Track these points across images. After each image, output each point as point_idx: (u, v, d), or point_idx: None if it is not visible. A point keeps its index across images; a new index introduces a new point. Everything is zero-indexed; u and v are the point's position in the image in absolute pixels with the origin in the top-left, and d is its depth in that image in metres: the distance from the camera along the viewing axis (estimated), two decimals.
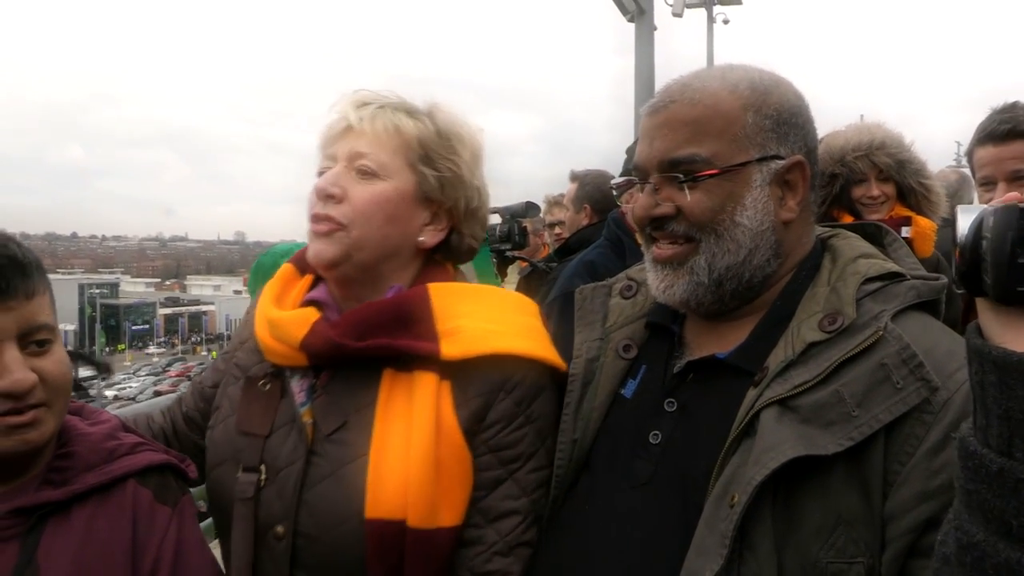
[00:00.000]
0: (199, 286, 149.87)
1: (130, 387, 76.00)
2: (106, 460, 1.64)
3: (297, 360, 1.77)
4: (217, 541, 1.87)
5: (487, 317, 1.77)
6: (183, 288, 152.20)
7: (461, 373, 1.69)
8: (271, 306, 1.84)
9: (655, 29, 12.15)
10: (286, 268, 1.93)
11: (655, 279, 1.68)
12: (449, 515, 1.65)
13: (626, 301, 1.85)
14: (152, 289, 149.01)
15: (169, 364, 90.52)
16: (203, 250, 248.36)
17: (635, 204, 1.68)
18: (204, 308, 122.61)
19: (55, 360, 1.56)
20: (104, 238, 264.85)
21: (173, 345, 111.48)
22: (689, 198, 1.59)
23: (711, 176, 1.57)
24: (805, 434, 1.39)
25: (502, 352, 1.70)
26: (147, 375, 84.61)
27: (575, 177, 4.85)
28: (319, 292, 1.86)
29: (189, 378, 68.52)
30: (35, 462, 1.60)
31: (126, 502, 1.61)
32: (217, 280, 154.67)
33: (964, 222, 1.11)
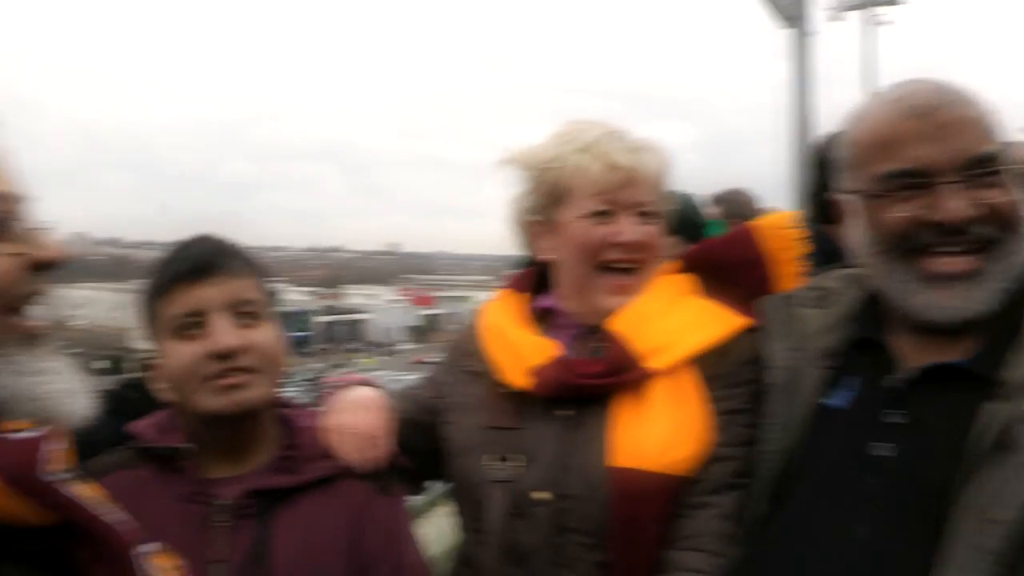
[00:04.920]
0: (355, 295, 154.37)
1: (287, 393, 79.20)
2: (325, 453, 1.78)
3: (524, 382, 1.92)
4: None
5: (670, 328, 1.93)
6: (340, 297, 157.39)
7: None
8: (512, 327, 2.01)
9: (811, 35, 11.79)
10: (507, 293, 2.10)
11: (938, 297, 1.58)
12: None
13: (819, 311, 1.81)
14: (311, 298, 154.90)
15: (325, 371, 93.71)
16: (359, 260, 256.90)
17: (947, 207, 1.54)
18: (360, 317, 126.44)
19: (264, 333, 1.75)
20: (266, 248, 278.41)
21: (330, 353, 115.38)
22: (1001, 196, 1.56)
23: (1007, 172, 1.56)
24: None
25: (699, 350, 1.90)
26: (302, 380, 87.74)
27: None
28: (549, 300, 2.04)
29: None
30: (263, 449, 1.77)
31: (346, 493, 1.74)
32: (372, 290, 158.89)
33: None
